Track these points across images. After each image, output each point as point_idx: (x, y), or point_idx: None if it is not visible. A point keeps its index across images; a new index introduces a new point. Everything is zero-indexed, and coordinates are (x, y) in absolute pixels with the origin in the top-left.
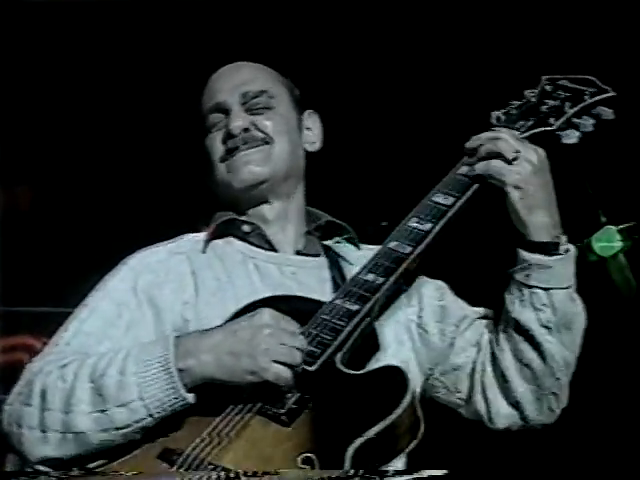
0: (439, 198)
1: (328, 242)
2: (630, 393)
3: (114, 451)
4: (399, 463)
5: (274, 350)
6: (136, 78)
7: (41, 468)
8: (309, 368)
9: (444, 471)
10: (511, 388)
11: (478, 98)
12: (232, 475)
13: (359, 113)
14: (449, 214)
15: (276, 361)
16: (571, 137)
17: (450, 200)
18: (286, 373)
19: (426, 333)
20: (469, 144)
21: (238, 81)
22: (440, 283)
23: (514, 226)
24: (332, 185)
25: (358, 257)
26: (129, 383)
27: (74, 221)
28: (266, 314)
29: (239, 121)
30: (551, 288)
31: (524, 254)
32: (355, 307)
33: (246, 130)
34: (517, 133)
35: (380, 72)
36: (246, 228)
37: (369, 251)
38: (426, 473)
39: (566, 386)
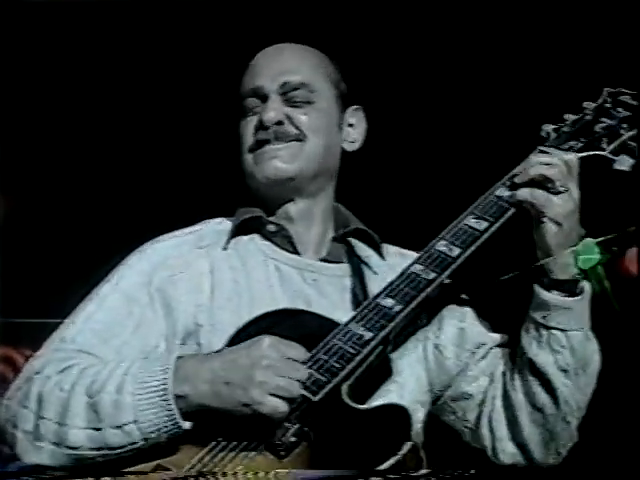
0: (472, 221)
1: (353, 241)
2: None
3: (105, 465)
4: None
5: (270, 383)
6: (140, 73)
7: None
8: (313, 398)
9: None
10: (519, 429)
11: (532, 105)
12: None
13: (404, 112)
14: (480, 240)
15: (273, 394)
16: (624, 164)
17: (483, 225)
18: (283, 407)
19: (441, 355)
20: (519, 168)
21: (280, 68)
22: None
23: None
24: (361, 187)
25: (382, 266)
26: (125, 404)
27: (72, 233)
28: (266, 343)
29: (273, 112)
30: (570, 330)
31: (543, 293)
32: (369, 335)
33: (279, 123)
34: (573, 160)
35: (430, 73)
36: (271, 228)
37: (395, 257)
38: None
39: (575, 429)
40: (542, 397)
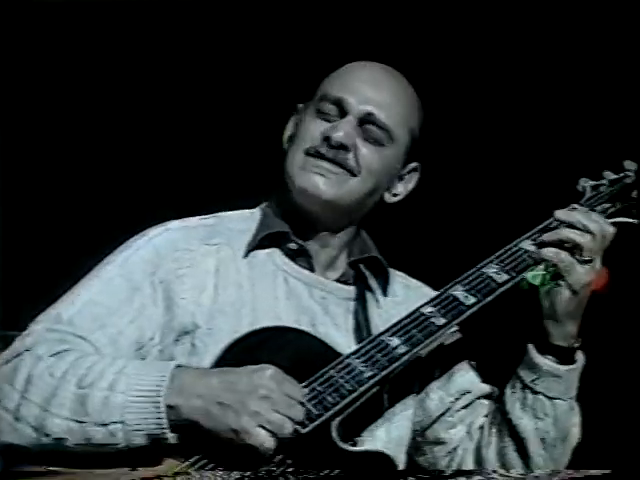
0: (492, 272)
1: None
2: None
3: (81, 458)
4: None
5: (264, 415)
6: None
7: None
8: (301, 430)
9: None
10: None
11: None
12: None
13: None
14: (497, 292)
15: (263, 427)
16: None
17: (504, 278)
18: (269, 443)
19: (426, 396)
20: (550, 222)
21: (373, 96)
22: None
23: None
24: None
25: (387, 301)
26: (115, 403)
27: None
28: (268, 373)
29: (343, 134)
30: (557, 398)
31: (536, 356)
32: (368, 374)
33: (345, 148)
34: (610, 234)
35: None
36: (293, 246)
37: (401, 289)
38: None
39: None
40: (514, 462)
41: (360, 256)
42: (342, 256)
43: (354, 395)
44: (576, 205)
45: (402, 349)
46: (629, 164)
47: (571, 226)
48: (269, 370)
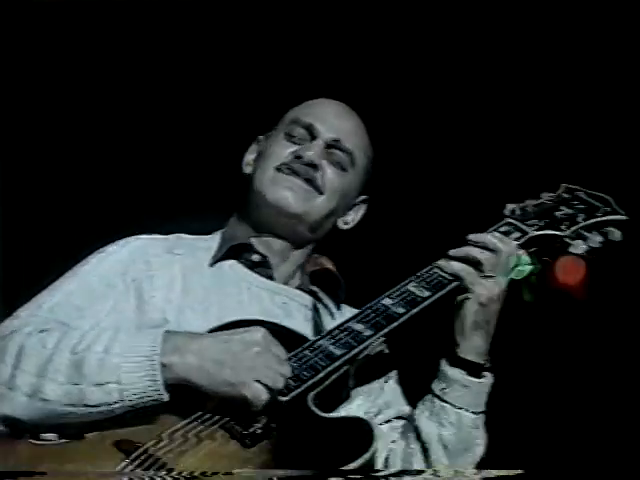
0: (444, 272)
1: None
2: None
3: (73, 426)
4: None
5: (259, 370)
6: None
7: None
8: (282, 399)
9: None
10: None
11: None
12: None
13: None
14: (447, 288)
15: (258, 381)
16: (578, 248)
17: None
18: (264, 395)
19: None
20: (469, 237)
21: (340, 125)
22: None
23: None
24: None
25: (340, 314)
26: (111, 364)
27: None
28: (260, 333)
29: (313, 153)
30: (462, 408)
31: (446, 368)
32: (339, 352)
33: (314, 166)
34: (507, 252)
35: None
36: (255, 258)
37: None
38: None
39: None
40: (416, 465)
41: (315, 268)
42: (298, 272)
43: (328, 370)
44: (510, 219)
45: (368, 332)
46: (544, 194)
47: (477, 245)
48: (259, 331)
